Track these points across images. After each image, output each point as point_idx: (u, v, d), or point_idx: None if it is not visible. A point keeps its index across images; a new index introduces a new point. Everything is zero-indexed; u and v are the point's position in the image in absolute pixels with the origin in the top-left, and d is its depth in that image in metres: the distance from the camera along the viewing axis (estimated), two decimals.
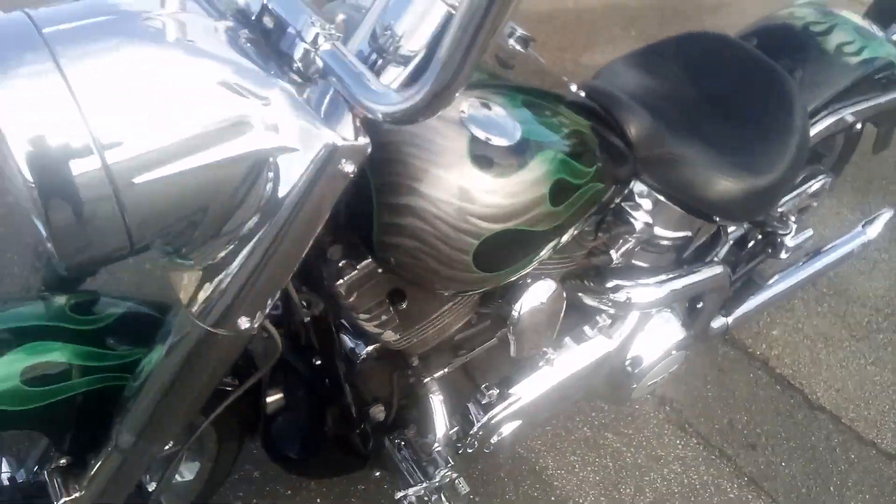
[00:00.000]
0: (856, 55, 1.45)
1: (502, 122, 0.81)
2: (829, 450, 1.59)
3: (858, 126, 1.59)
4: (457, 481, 1.20)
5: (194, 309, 0.70)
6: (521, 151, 0.81)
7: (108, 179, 0.57)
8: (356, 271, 0.94)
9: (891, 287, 2.00)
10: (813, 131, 1.41)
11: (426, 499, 1.20)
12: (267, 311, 0.75)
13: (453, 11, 0.69)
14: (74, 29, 0.59)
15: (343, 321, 1.10)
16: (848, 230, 1.83)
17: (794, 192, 1.62)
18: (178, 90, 0.60)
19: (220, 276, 0.69)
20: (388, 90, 0.61)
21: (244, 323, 0.72)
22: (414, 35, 0.70)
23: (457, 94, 0.56)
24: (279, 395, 1.21)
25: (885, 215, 1.86)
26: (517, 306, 1.06)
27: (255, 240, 0.68)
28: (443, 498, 1.21)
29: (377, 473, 1.47)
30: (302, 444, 1.30)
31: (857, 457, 1.58)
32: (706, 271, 1.38)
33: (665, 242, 1.36)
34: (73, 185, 0.56)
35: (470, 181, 0.78)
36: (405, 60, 0.69)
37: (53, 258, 0.65)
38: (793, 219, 1.63)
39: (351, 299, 0.96)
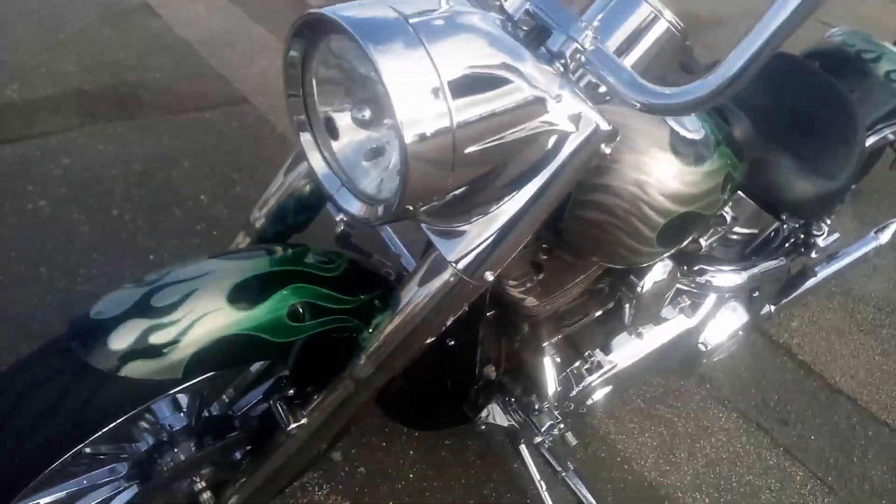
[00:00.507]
0: None
1: (689, 119, 0.96)
2: (849, 427, 1.81)
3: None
4: (566, 434, 1.36)
5: (456, 260, 0.83)
6: (706, 145, 0.97)
7: (453, 145, 0.70)
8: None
9: (891, 288, 2.25)
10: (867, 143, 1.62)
11: (541, 448, 1.35)
12: (500, 268, 0.88)
13: (676, 31, 0.85)
14: (422, 20, 0.71)
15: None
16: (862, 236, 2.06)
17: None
18: (497, 82, 0.73)
19: (483, 236, 0.82)
20: (655, 88, 0.75)
21: (489, 276, 0.85)
22: (635, 44, 0.85)
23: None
24: None
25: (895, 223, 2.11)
26: (643, 281, 1.21)
27: (520, 205, 0.81)
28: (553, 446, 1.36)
29: (462, 428, 1.61)
30: (415, 397, 1.43)
31: (874, 434, 1.81)
32: (773, 263, 1.57)
33: (735, 237, 1.55)
34: (432, 148, 0.69)
35: (668, 167, 0.93)
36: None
37: (383, 211, 0.77)
38: (828, 221, 1.85)
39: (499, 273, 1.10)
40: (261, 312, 0.85)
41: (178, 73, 2.73)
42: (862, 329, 2.10)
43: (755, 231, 1.57)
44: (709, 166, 0.97)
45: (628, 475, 1.62)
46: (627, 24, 0.85)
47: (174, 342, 0.79)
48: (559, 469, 1.39)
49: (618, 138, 0.81)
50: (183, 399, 1.09)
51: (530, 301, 1.18)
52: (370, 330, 0.91)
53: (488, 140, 0.73)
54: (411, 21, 0.70)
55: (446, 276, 0.84)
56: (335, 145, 0.82)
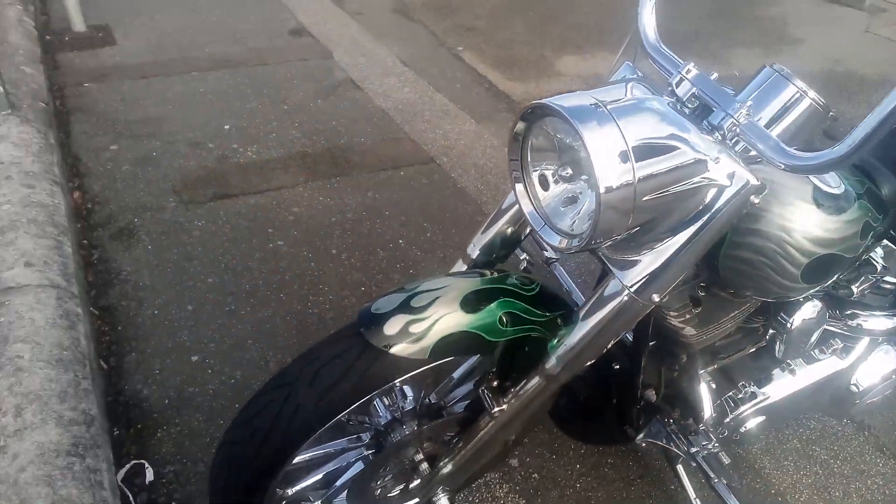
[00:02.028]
0: None
1: (831, 176, 1.17)
2: None
3: None
4: (720, 453, 1.53)
5: (630, 284, 1.09)
6: (845, 198, 1.17)
7: (634, 196, 0.97)
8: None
9: None
10: None
11: (696, 462, 1.53)
12: (666, 293, 1.13)
13: (819, 106, 1.07)
14: (616, 105, 1.00)
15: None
16: None
17: None
18: (669, 148, 1.00)
19: (657, 264, 1.08)
20: (796, 153, 0.98)
21: (655, 297, 1.10)
22: (783, 118, 1.08)
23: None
24: None
25: None
26: (792, 318, 1.40)
27: (683, 241, 1.06)
28: (708, 464, 1.54)
29: (623, 448, 1.82)
30: (584, 414, 1.67)
31: None
32: None
33: (890, 286, 1.67)
34: (619, 198, 0.96)
35: (809, 216, 1.14)
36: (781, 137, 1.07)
37: (566, 247, 1.05)
38: None
39: (666, 298, 1.33)
40: (481, 316, 1.15)
41: (378, 137, 3.21)
42: None
43: None
44: (847, 216, 1.17)
45: None
46: (776, 101, 1.09)
47: (425, 332, 1.11)
48: (712, 476, 1.56)
49: (765, 191, 1.04)
50: (409, 391, 1.41)
51: (688, 331, 1.40)
52: (557, 340, 1.18)
53: (661, 192, 1.00)
54: (608, 106, 0.99)
55: (622, 296, 1.11)
56: (543, 195, 1.11)
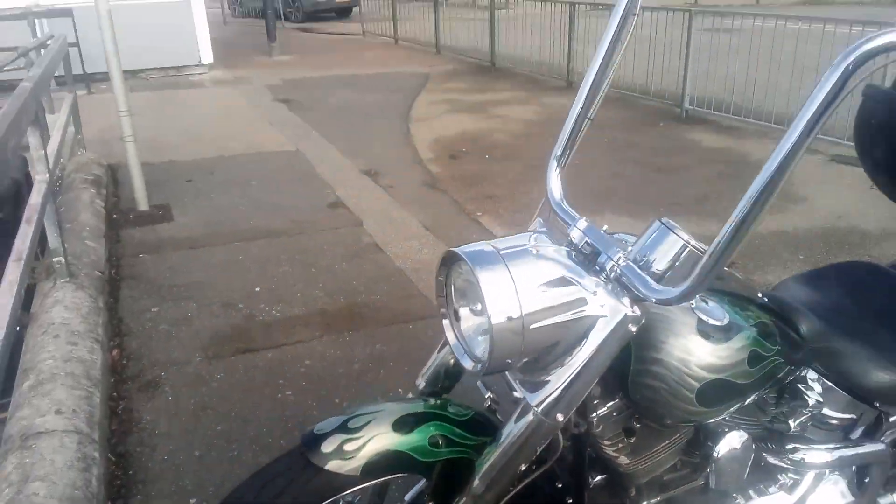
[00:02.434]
0: None
1: (716, 310, 1.33)
2: None
3: None
4: None
5: (536, 404, 1.25)
6: (729, 329, 1.32)
7: (522, 327, 1.17)
8: (605, 408, 1.45)
9: None
10: None
11: None
12: (570, 413, 1.28)
13: (698, 251, 1.26)
14: (509, 251, 1.22)
15: (589, 448, 1.58)
16: None
17: None
18: (555, 285, 1.20)
19: (557, 387, 1.24)
20: (658, 287, 1.17)
21: (560, 417, 1.25)
22: (663, 260, 1.27)
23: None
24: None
25: None
26: (719, 447, 1.49)
27: (578, 365, 1.23)
28: None
29: None
30: None
31: None
32: (867, 447, 1.72)
33: (833, 421, 1.74)
34: (509, 328, 1.15)
35: (697, 345, 1.30)
36: (660, 276, 1.26)
37: (477, 370, 1.24)
38: None
39: (599, 428, 1.46)
40: (411, 438, 1.31)
41: (393, 294, 3.48)
42: None
43: (853, 416, 1.74)
44: (732, 345, 1.31)
45: None
46: (661, 247, 1.28)
47: (358, 450, 1.27)
48: None
49: (643, 321, 1.22)
50: None
51: (623, 459, 1.50)
52: (481, 461, 1.33)
53: (548, 323, 1.19)
54: (502, 252, 1.21)
55: (529, 416, 1.26)
56: (463, 327, 1.31)
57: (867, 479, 1.78)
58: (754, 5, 19.07)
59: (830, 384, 1.67)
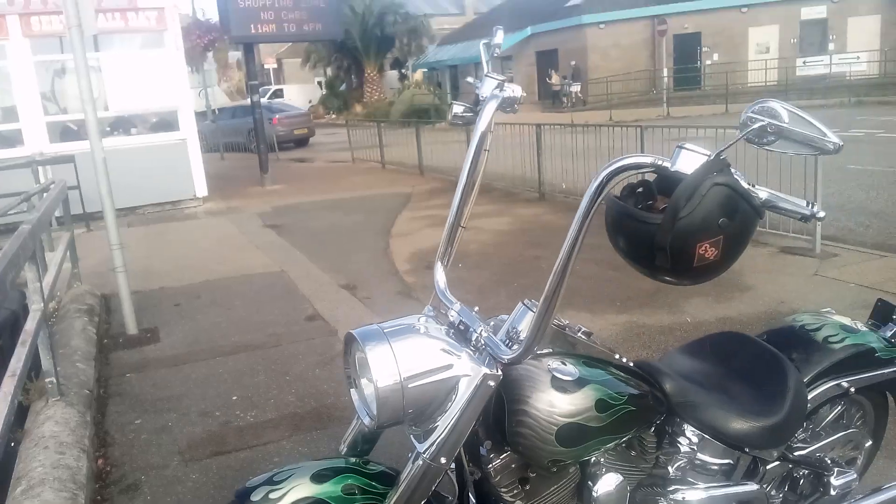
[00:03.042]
0: (839, 342, 2.15)
1: (569, 369, 1.65)
2: None
3: (852, 390, 2.16)
4: None
5: (424, 451, 1.55)
6: (579, 383, 1.63)
7: (401, 387, 1.49)
8: (499, 459, 1.73)
9: None
10: (815, 392, 2.07)
11: None
12: (452, 457, 1.57)
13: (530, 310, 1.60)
14: (393, 329, 1.56)
15: (494, 497, 1.84)
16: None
17: (826, 440, 2.21)
18: (428, 353, 1.54)
19: (438, 436, 1.54)
20: (507, 350, 1.50)
21: (443, 460, 1.55)
22: (523, 332, 1.61)
23: (540, 354, 1.45)
24: None
25: None
26: (597, 487, 1.76)
27: (455, 415, 1.54)
28: None
29: None
30: None
31: None
32: (745, 488, 1.98)
33: (713, 466, 2.00)
34: (391, 388, 1.48)
35: (553, 396, 1.60)
36: (511, 342, 1.59)
37: (372, 425, 1.55)
38: (829, 461, 2.19)
39: (497, 478, 1.74)
40: (326, 487, 1.60)
41: None
42: None
43: (730, 461, 2.01)
44: (580, 394, 1.62)
45: None
46: (522, 323, 1.63)
47: (280, 499, 1.56)
48: None
49: (500, 378, 1.54)
50: None
51: (520, 501, 1.77)
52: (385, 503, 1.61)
53: (425, 383, 1.51)
54: (385, 331, 1.55)
55: (419, 461, 1.56)
56: (365, 393, 1.63)
57: None
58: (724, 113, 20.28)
59: (704, 434, 1.95)
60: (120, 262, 4.91)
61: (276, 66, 47.00)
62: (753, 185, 1.34)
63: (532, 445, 1.63)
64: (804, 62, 25.89)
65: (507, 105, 1.83)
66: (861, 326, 2.25)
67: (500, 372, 1.55)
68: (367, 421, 1.60)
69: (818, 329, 2.21)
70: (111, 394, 3.96)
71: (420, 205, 9.78)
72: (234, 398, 3.78)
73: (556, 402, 1.61)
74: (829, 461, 2.22)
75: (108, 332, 5.06)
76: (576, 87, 28.52)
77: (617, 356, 1.87)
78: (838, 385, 2.12)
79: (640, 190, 1.41)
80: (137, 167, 9.87)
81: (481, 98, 1.85)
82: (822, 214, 1.34)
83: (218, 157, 18.42)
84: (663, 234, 1.30)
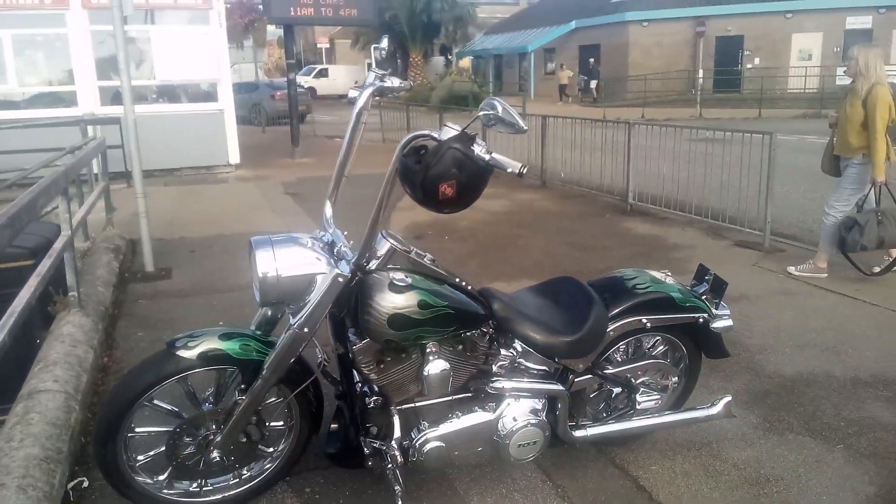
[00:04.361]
0: (644, 289, 2.80)
1: (402, 277, 2.34)
2: None
3: (648, 325, 2.80)
4: (397, 470, 2.47)
5: (295, 323, 2.28)
6: (408, 288, 2.33)
7: (278, 278, 2.23)
8: (360, 343, 2.44)
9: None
10: (618, 323, 2.73)
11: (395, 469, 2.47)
12: (313, 329, 2.30)
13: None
14: (279, 240, 2.30)
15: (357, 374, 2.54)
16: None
17: (632, 365, 2.86)
18: (299, 257, 2.27)
19: (303, 312, 2.28)
20: (353, 259, 2.23)
21: (306, 330, 2.29)
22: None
23: (390, 268, 2.19)
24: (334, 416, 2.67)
25: (725, 399, 2.97)
26: (428, 368, 2.46)
27: (313, 303, 2.27)
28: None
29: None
30: (340, 443, 2.66)
31: None
32: (550, 386, 2.66)
33: (533, 369, 2.68)
34: (271, 277, 2.22)
35: (388, 295, 2.30)
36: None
37: (259, 303, 2.30)
38: (638, 383, 2.86)
39: (359, 357, 2.45)
40: (231, 344, 2.37)
41: None
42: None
43: (545, 368, 2.69)
44: (408, 295, 2.31)
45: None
46: (380, 247, 2.36)
47: (196, 346, 2.32)
48: (397, 488, 2.47)
49: (346, 276, 2.26)
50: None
51: (374, 377, 2.48)
52: (269, 358, 2.35)
53: (294, 275, 2.26)
54: (273, 239, 2.30)
55: (292, 330, 2.30)
56: (255, 281, 2.37)
57: (557, 407, 2.70)
58: (752, 120, 20.39)
59: (525, 345, 2.64)
60: (143, 209, 5.76)
61: (328, 45, 48.07)
62: (491, 153, 2.03)
63: (373, 328, 2.35)
64: (845, 72, 25.61)
65: (384, 92, 2.52)
66: (670, 281, 2.90)
67: (348, 274, 2.27)
68: (257, 299, 2.34)
69: (632, 279, 2.87)
70: (123, 314, 4.81)
71: None
72: (220, 323, 4.58)
73: (389, 299, 2.32)
74: (637, 383, 2.89)
75: (129, 269, 5.93)
76: (593, 84, 29.18)
77: (458, 280, 2.56)
78: (639, 321, 2.77)
79: (422, 151, 2.11)
80: (178, 133, 10.83)
81: (365, 84, 2.54)
82: (524, 171, 2.02)
83: (258, 130, 19.41)
84: (419, 177, 2.00)
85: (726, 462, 2.99)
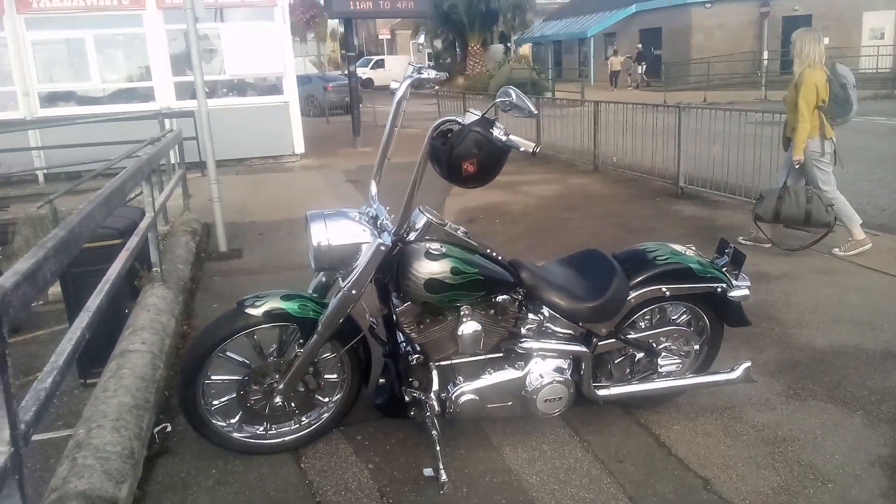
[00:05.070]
0: (664, 260, 3.03)
1: (436, 246, 2.65)
2: None
3: (668, 294, 3.02)
4: (436, 419, 2.79)
5: (344, 286, 2.64)
6: (443, 255, 2.64)
7: (329, 247, 2.59)
8: (403, 306, 2.77)
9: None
10: (639, 291, 2.97)
11: (433, 417, 2.79)
12: (361, 291, 2.65)
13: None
14: (330, 214, 2.66)
15: (400, 333, 2.87)
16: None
17: (654, 331, 3.10)
18: (348, 228, 2.62)
19: (353, 275, 2.63)
20: (395, 233, 2.56)
21: (354, 292, 2.64)
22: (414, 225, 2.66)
23: (428, 240, 2.53)
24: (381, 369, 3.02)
25: (745, 364, 3.18)
26: (461, 329, 2.77)
27: (359, 268, 2.62)
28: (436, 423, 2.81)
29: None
30: (386, 396, 3.01)
31: None
32: (573, 347, 2.93)
33: (560, 332, 2.96)
34: (323, 246, 2.58)
35: (423, 260, 2.62)
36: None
37: (315, 268, 2.66)
38: (661, 349, 3.10)
39: (402, 318, 2.78)
40: (292, 304, 2.74)
41: None
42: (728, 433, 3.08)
43: (570, 332, 2.96)
44: (442, 262, 2.62)
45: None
46: (413, 220, 2.69)
47: (262, 305, 2.70)
48: (435, 432, 2.78)
49: (388, 245, 2.60)
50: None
51: (415, 336, 2.81)
52: (324, 315, 2.71)
53: (343, 244, 2.61)
54: (325, 213, 2.66)
55: (343, 291, 2.66)
56: (310, 249, 2.73)
57: (582, 368, 2.98)
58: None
59: (552, 311, 2.93)
60: (216, 195, 6.26)
61: (389, 36, 48.69)
62: (508, 135, 2.32)
63: (412, 292, 2.68)
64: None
65: (422, 84, 2.82)
66: (690, 254, 3.12)
67: (389, 244, 2.61)
68: (312, 265, 2.70)
69: (653, 251, 3.11)
70: (200, 288, 5.30)
71: None
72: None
73: (425, 265, 2.65)
74: (659, 348, 3.13)
75: (205, 249, 6.45)
76: (641, 69, 28.83)
77: (489, 251, 2.86)
78: (659, 289, 3.01)
79: (448, 135, 2.41)
80: (247, 124, 11.44)
81: (406, 76, 2.85)
82: (538, 151, 2.30)
83: (322, 120, 20.04)
84: (444, 156, 2.31)
85: (746, 424, 3.20)
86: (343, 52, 15.77)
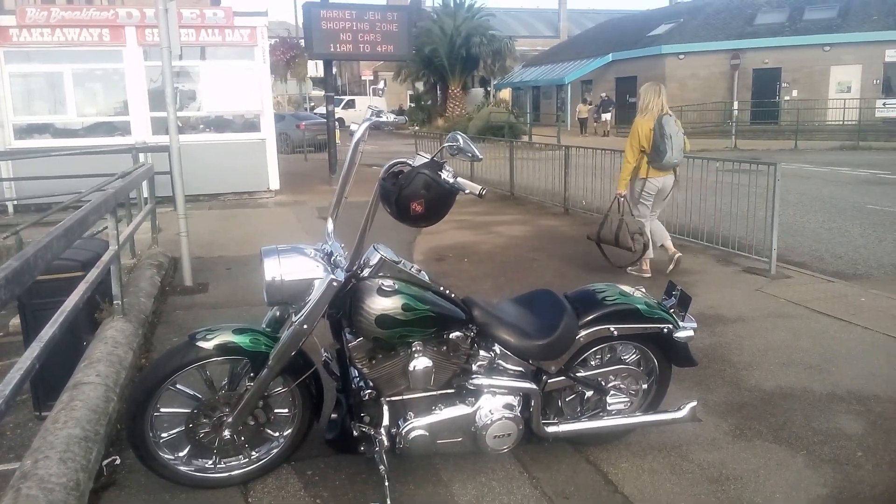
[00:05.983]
0: (612, 301, 3.12)
1: (389, 283, 2.72)
2: None
3: (616, 333, 3.10)
4: (384, 454, 2.82)
5: (296, 320, 2.68)
6: (395, 292, 2.70)
7: (282, 282, 2.64)
8: (355, 342, 2.82)
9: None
10: (588, 331, 3.05)
11: (382, 454, 2.82)
12: (312, 326, 2.69)
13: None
14: (284, 249, 2.72)
15: (352, 368, 2.92)
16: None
17: (603, 370, 3.17)
18: (301, 264, 2.68)
19: (304, 312, 2.67)
20: (347, 267, 2.62)
21: (306, 327, 2.68)
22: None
23: (381, 276, 2.59)
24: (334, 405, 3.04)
25: (691, 403, 3.25)
26: (412, 364, 2.82)
27: (311, 303, 2.67)
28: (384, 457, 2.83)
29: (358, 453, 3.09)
30: (337, 431, 3.03)
31: None
32: (523, 384, 2.98)
33: (510, 369, 3.02)
34: (276, 282, 2.63)
35: (375, 297, 2.68)
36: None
37: (267, 302, 2.71)
38: (609, 387, 3.17)
39: (354, 353, 2.83)
40: (242, 338, 2.78)
41: None
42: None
43: (521, 369, 3.02)
44: (393, 298, 2.69)
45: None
46: (372, 258, 2.75)
47: (213, 339, 2.73)
48: (382, 468, 2.80)
49: (339, 283, 2.66)
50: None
51: (366, 371, 2.85)
52: (275, 349, 2.75)
53: (295, 279, 2.66)
54: (279, 249, 2.72)
55: (294, 326, 2.70)
56: (264, 284, 2.78)
57: (531, 405, 3.02)
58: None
59: (503, 347, 2.99)
60: (184, 229, 6.28)
61: (371, 77, 49.39)
62: (456, 178, 2.41)
63: (363, 327, 2.73)
64: (884, 104, 25.43)
65: (379, 126, 2.92)
66: (639, 295, 3.21)
67: (342, 279, 2.67)
68: (265, 299, 2.75)
69: (602, 292, 3.20)
70: (161, 321, 5.29)
71: (459, 209, 10.83)
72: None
73: (377, 301, 2.71)
74: (608, 387, 3.20)
75: (170, 283, 6.45)
76: (606, 116, 30.06)
77: (442, 288, 2.93)
78: (607, 329, 3.09)
79: (399, 175, 2.50)
80: (223, 160, 11.50)
81: (365, 118, 2.95)
82: (484, 192, 2.39)
83: (301, 157, 20.19)
84: (393, 196, 2.39)
85: (692, 462, 3.26)
86: (323, 92, 15.99)
